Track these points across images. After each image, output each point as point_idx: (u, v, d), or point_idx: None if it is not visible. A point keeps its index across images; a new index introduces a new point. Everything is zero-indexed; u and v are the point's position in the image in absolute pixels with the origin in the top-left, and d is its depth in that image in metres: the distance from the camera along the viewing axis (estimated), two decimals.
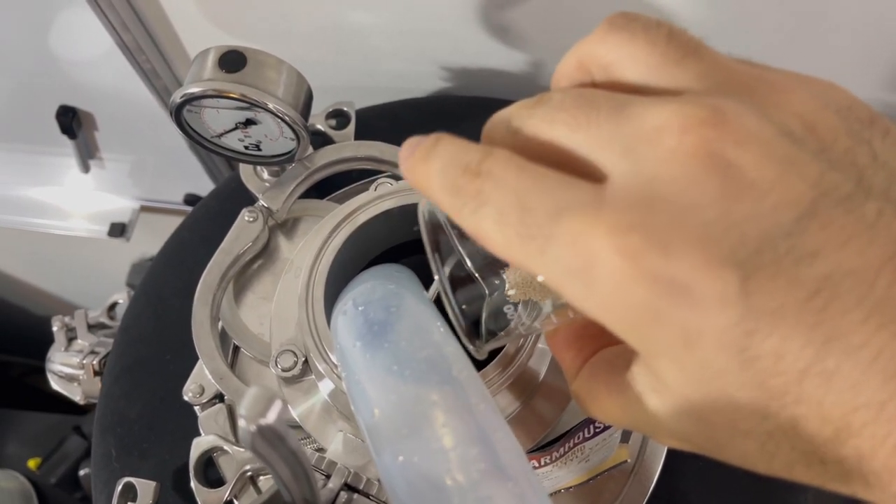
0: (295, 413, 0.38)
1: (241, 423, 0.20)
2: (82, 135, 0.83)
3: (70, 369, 0.67)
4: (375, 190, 0.39)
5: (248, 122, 0.48)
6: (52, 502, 1.09)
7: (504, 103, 0.65)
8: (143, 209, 0.99)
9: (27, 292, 1.18)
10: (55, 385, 0.71)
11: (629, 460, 0.46)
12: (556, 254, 0.19)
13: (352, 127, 0.57)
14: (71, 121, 0.79)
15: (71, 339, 0.72)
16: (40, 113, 0.80)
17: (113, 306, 0.73)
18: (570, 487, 0.45)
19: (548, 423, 0.37)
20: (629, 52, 0.21)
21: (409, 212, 0.37)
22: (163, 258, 0.60)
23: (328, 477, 0.35)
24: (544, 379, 0.37)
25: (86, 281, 1.13)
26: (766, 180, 0.18)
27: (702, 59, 0.21)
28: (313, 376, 0.38)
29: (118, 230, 0.96)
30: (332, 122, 0.58)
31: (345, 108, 0.58)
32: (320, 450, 0.38)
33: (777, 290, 0.17)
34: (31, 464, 1.11)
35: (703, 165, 0.18)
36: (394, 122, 0.63)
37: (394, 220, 0.38)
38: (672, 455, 0.47)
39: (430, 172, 0.23)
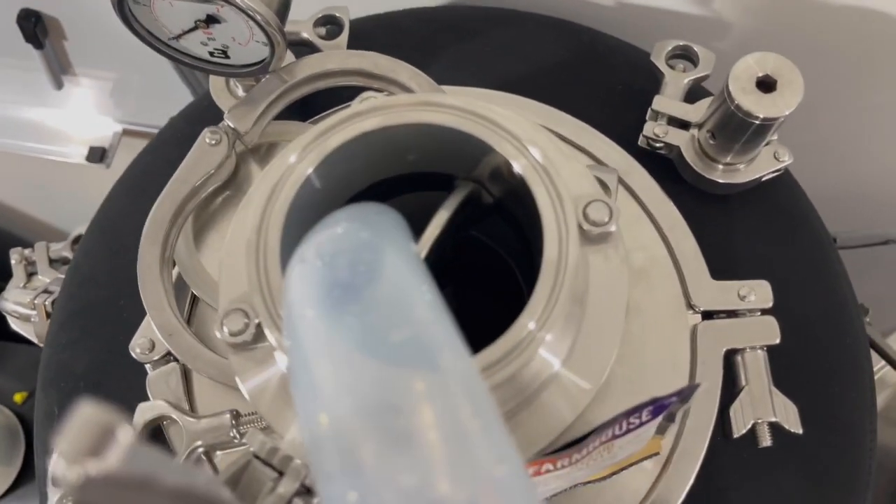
0: (245, 389, 0.30)
1: (56, 467, 0.11)
2: (49, 45, 0.74)
3: (23, 309, 0.60)
4: (360, 105, 0.30)
5: (210, 20, 0.39)
6: None
7: (524, 16, 0.54)
8: (126, 133, 0.90)
9: (8, 214, 1.10)
10: (13, 324, 0.64)
11: (660, 452, 0.38)
12: None
13: (344, 36, 0.48)
14: (34, 27, 0.70)
15: (31, 275, 0.64)
16: (0, 18, 0.71)
17: (77, 240, 0.65)
18: (589, 482, 0.37)
19: (564, 421, 0.29)
20: None
21: (399, 135, 0.28)
22: (121, 188, 0.52)
23: (281, 475, 0.27)
24: (561, 369, 0.29)
25: (63, 208, 1.05)
26: None
27: None
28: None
29: (97, 155, 0.88)
30: (322, 30, 0.48)
31: (337, 14, 0.48)
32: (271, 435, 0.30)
33: None
34: (17, 398, 1.07)
35: None
36: (396, 33, 0.53)
37: (377, 146, 0.29)
38: (713, 449, 0.39)
39: None
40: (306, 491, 0.27)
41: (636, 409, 0.28)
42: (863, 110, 0.62)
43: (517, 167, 0.27)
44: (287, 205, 0.27)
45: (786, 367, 0.41)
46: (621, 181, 0.42)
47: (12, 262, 0.65)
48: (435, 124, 0.27)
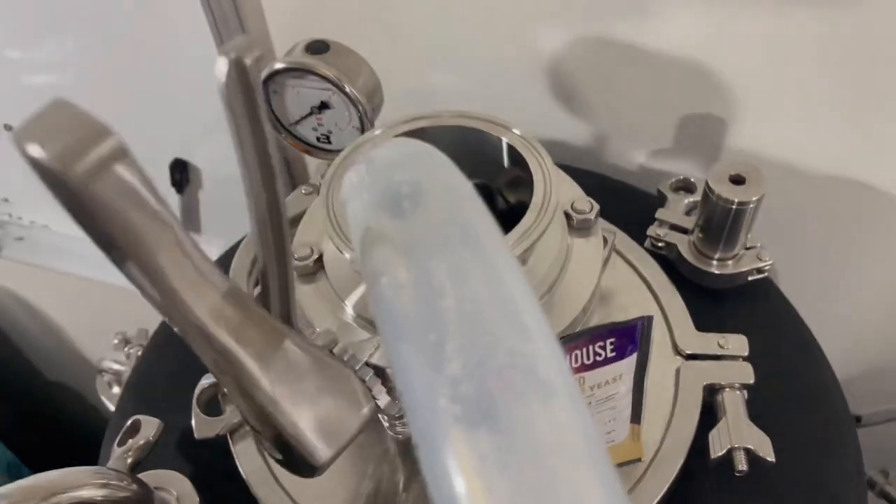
0: (309, 314, 0.39)
1: (219, 62, 0.22)
2: (188, 191, 0.92)
3: (117, 365, 0.69)
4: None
5: (323, 106, 0.54)
6: None
7: (564, 169, 0.68)
8: None
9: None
10: (100, 391, 0.73)
11: (642, 458, 0.43)
12: None
13: None
14: (182, 174, 0.88)
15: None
16: (153, 164, 0.89)
17: None
18: None
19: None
20: None
21: (437, 137, 0.40)
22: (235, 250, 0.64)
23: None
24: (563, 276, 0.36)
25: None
26: None
27: None
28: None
29: None
30: None
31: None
32: None
33: None
34: None
35: None
36: None
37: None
38: (693, 460, 0.43)
39: None
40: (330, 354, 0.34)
41: (599, 336, 0.35)
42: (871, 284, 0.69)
43: (505, 139, 0.38)
44: None
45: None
46: (622, 255, 0.52)
47: (114, 341, 0.76)
48: (454, 125, 0.39)
